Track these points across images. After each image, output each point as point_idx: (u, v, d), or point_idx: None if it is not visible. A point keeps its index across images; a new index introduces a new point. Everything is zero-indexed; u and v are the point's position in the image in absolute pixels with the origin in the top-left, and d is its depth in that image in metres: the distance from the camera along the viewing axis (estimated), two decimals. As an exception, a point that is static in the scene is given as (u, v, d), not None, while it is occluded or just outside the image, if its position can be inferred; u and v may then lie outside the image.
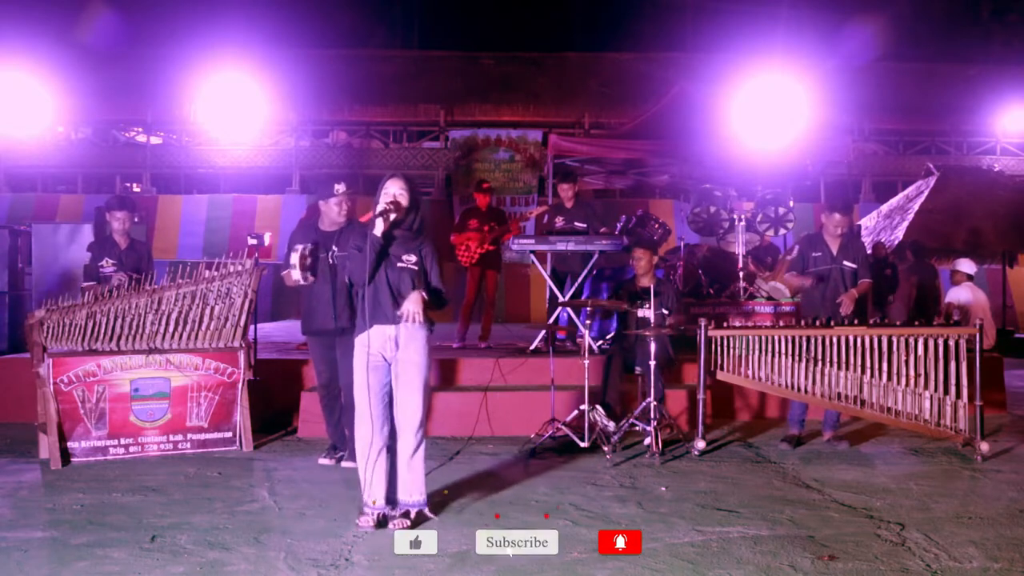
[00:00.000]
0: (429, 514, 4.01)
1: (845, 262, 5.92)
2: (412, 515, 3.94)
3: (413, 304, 3.90)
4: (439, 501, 4.32)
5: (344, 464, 5.23)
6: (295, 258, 4.91)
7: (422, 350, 3.98)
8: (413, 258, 4.01)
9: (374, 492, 3.95)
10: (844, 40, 18.20)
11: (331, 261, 5.09)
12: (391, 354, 3.97)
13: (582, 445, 5.55)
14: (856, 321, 5.70)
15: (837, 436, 5.97)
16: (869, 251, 11.29)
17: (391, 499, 3.99)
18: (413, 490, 3.96)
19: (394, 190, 4.00)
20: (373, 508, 3.94)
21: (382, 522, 3.94)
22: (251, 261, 5.83)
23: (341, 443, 5.34)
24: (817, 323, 5.64)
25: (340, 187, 5.12)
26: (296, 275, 4.93)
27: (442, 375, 6.84)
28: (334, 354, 5.18)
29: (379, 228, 3.94)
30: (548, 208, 8.26)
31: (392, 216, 3.94)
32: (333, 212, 5.12)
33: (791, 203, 8.96)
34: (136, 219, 9.11)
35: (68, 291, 5.96)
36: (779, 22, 19.38)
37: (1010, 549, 3.66)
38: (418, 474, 3.98)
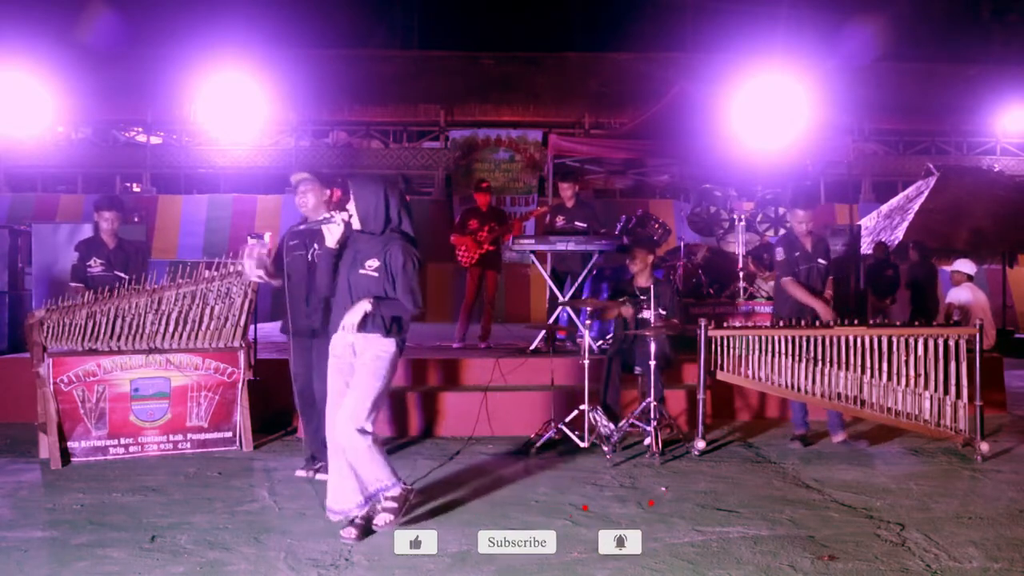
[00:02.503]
0: (405, 495, 3.81)
1: (819, 259, 5.99)
2: (391, 501, 3.75)
3: (350, 314, 3.73)
4: (446, 503, 4.32)
5: (319, 477, 4.82)
6: (244, 251, 4.66)
7: (377, 357, 3.80)
8: (375, 263, 3.79)
9: (331, 496, 3.83)
10: (844, 40, 18.19)
11: (310, 259, 4.85)
12: (352, 360, 3.87)
13: (582, 445, 5.55)
14: (856, 321, 5.70)
15: (853, 436, 5.98)
16: (869, 251, 11.35)
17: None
18: (371, 481, 3.78)
19: (349, 201, 3.85)
20: (331, 512, 3.82)
21: (364, 529, 3.78)
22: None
23: (320, 453, 4.78)
24: (817, 323, 5.65)
25: (295, 176, 4.93)
26: (247, 270, 4.72)
27: (442, 375, 6.84)
28: (307, 357, 4.87)
29: (329, 240, 3.84)
30: (548, 208, 8.27)
31: (336, 226, 3.80)
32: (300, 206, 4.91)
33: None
34: (135, 219, 9.12)
35: (67, 291, 5.95)
36: (779, 22, 19.37)
37: (1010, 549, 3.66)
38: (365, 469, 3.75)
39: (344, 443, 3.75)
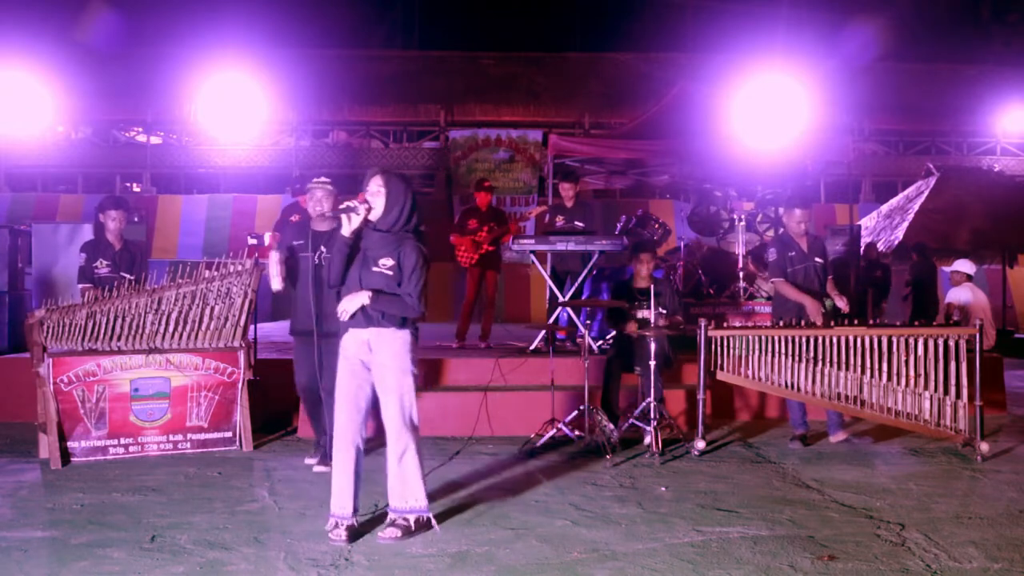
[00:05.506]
0: (432, 522, 3.82)
1: (816, 258, 6.00)
2: (410, 521, 3.78)
3: (347, 301, 3.71)
4: (446, 503, 4.32)
5: (316, 469, 5.12)
6: (274, 269, 4.96)
7: (397, 353, 3.77)
8: (390, 262, 3.74)
9: (337, 501, 3.76)
10: (844, 40, 18.20)
11: (316, 261, 4.96)
12: (367, 357, 3.81)
13: (582, 445, 5.54)
14: (856, 321, 5.70)
15: (856, 433, 5.99)
16: (861, 252, 11.37)
17: (357, 508, 3.81)
18: (406, 495, 3.78)
19: (372, 188, 3.77)
20: (335, 517, 3.75)
21: (355, 534, 3.74)
22: (251, 261, 5.83)
23: (329, 447, 5.23)
24: (817, 323, 5.65)
25: (316, 181, 5.20)
26: (276, 285, 5.04)
27: (442, 375, 6.84)
28: (314, 357, 4.91)
29: (345, 228, 3.76)
30: (548, 208, 8.27)
31: (356, 216, 3.74)
32: (309, 208, 5.18)
33: (791, 203, 8.97)
34: (136, 219, 9.12)
35: (68, 291, 5.94)
36: (779, 22, 19.38)
37: (1010, 549, 3.66)
38: (408, 479, 3.77)
39: (399, 447, 3.76)
